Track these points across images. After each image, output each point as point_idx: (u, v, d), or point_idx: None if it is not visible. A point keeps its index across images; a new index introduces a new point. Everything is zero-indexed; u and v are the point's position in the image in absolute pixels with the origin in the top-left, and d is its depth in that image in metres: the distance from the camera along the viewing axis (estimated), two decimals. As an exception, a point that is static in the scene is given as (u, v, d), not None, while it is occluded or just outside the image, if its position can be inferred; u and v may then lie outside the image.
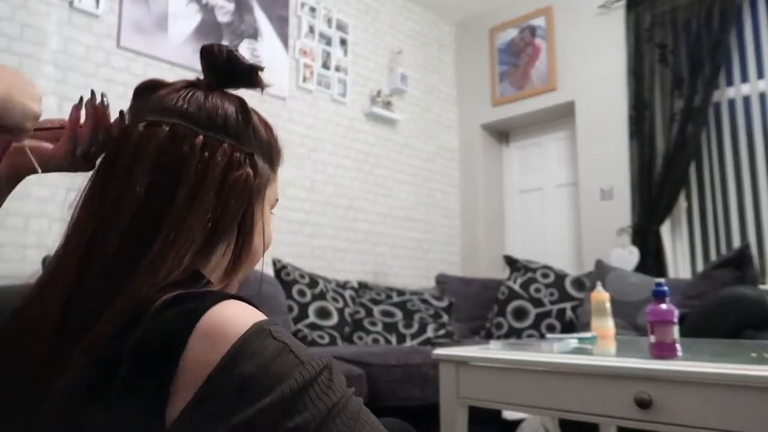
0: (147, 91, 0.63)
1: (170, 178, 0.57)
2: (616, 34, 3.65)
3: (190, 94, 0.62)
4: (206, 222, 0.58)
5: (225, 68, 0.64)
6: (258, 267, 0.69)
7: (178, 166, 0.58)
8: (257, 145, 0.64)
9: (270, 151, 0.67)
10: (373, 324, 2.84)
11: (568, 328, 2.81)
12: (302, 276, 2.81)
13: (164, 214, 0.56)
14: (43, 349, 0.53)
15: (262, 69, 0.65)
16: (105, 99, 0.62)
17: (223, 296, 0.51)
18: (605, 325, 1.90)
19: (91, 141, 0.61)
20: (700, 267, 3.34)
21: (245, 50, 3.04)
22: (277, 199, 0.71)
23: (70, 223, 0.60)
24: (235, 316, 0.49)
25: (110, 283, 0.53)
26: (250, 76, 0.65)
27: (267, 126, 0.67)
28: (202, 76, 0.66)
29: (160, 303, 0.49)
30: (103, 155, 0.62)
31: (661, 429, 1.15)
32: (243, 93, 0.67)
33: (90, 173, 0.63)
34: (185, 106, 0.61)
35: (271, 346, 0.48)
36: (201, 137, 0.59)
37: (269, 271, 2.80)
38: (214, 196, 0.59)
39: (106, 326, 0.50)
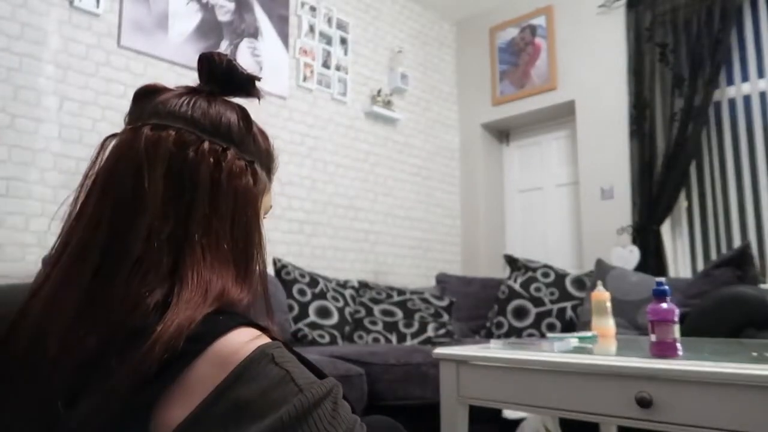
0: (148, 95, 0.64)
1: (186, 183, 0.58)
2: (616, 33, 3.64)
3: (193, 100, 0.62)
4: (230, 229, 0.59)
5: (224, 76, 0.65)
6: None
7: (189, 171, 0.59)
8: (257, 154, 0.66)
9: (268, 160, 0.69)
10: (374, 323, 2.84)
11: (569, 327, 2.81)
12: (302, 275, 2.81)
13: (189, 218, 0.57)
14: (55, 340, 0.53)
15: (259, 79, 0.66)
16: None
17: (237, 322, 0.52)
18: (606, 325, 1.90)
19: None
20: (700, 266, 3.34)
21: (245, 49, 3.04)
22: (271, 206, 0.72)
23: (72, 221, 0.61)
24: (243, 342, 0.50)
25: (136, 283, 0.54)
26: (248, 85, 0.66)
27: (264, 135, 0.69)
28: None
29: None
30: (107, 155, 0.62)
31: (662, 428, 1.15)
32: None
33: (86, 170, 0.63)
34: (189, 111, 0.61)
35: (272, 372, 0.48)
36: (207, 143, 0.60)
37: (269, 270, 2.80)
38: (232, 200, 0.60)
39: (128, 328, 0.51)
